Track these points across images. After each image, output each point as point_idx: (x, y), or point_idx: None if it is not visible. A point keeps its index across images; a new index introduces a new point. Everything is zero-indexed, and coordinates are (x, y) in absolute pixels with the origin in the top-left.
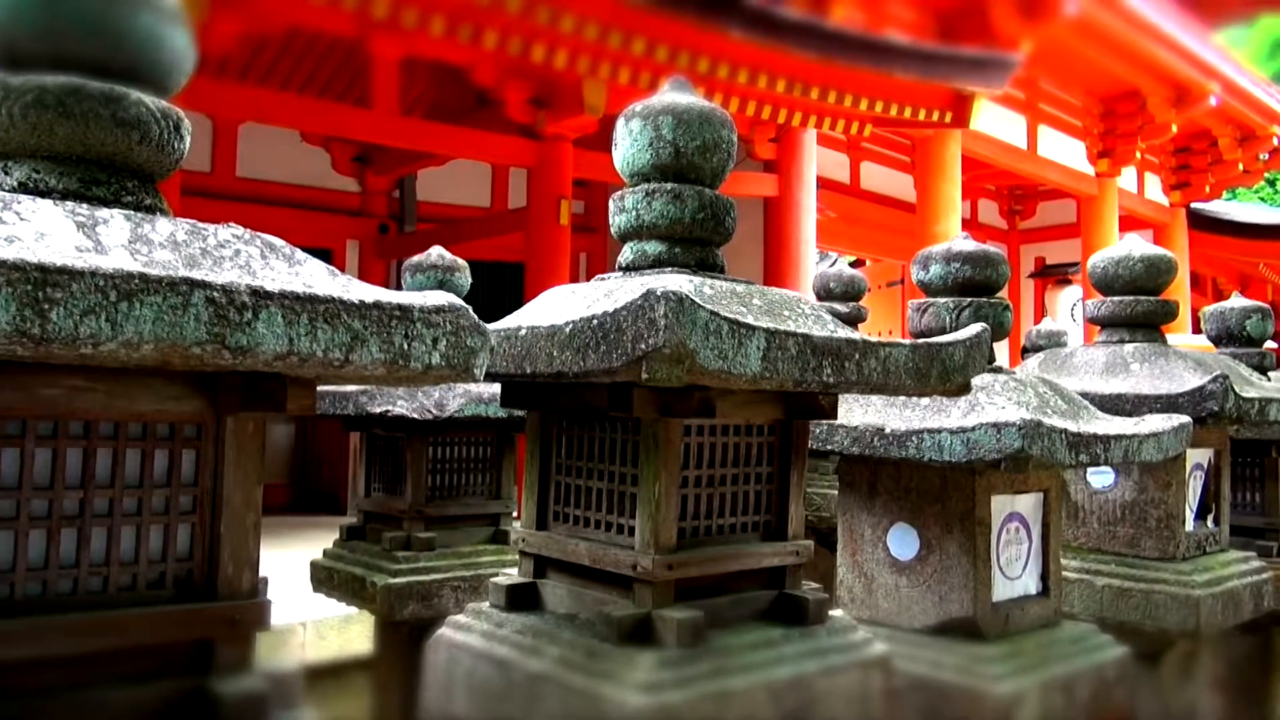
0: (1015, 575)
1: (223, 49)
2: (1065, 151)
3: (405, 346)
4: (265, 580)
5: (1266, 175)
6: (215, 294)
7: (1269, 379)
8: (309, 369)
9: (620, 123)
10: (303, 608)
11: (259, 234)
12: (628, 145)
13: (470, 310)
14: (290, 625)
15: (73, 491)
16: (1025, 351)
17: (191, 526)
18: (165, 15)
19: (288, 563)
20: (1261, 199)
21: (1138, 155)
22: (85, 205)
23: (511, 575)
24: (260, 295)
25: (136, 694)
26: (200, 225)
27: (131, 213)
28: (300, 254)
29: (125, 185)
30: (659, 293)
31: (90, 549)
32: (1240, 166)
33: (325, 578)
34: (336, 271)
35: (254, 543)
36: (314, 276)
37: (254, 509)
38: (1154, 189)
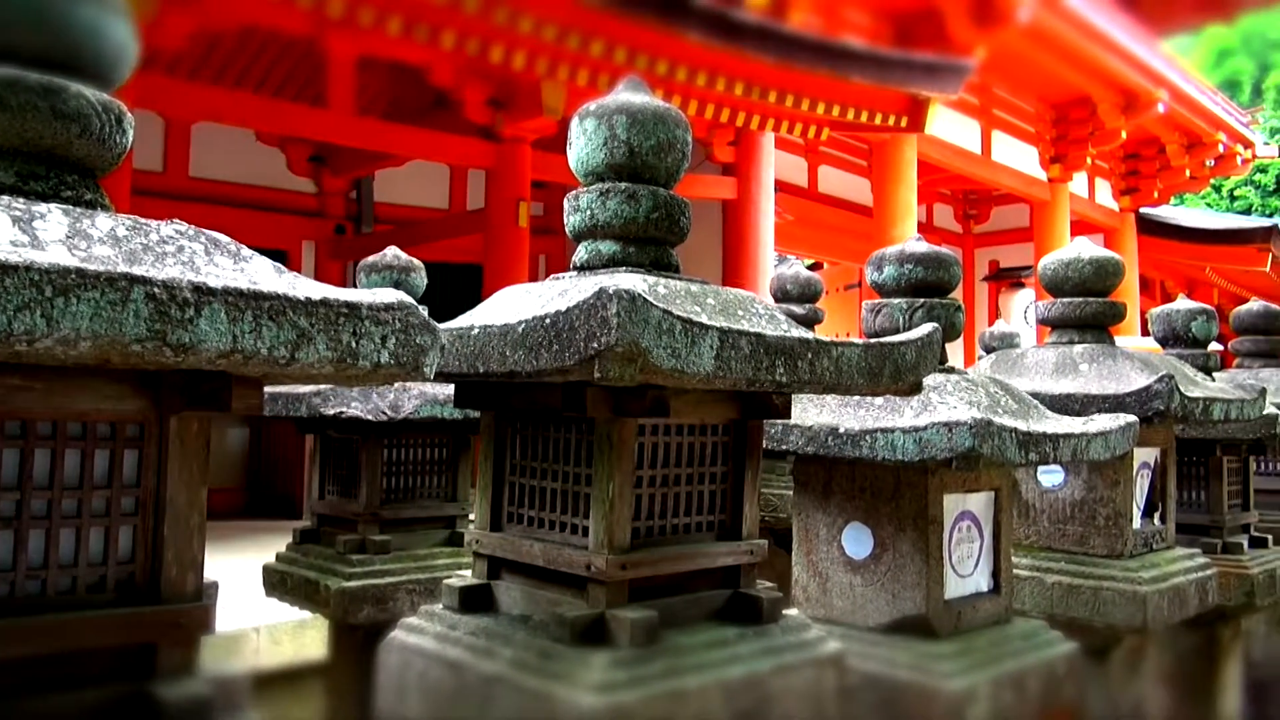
0: (967, 573)
1: (175, 46)
2: (1018, 157)
3: (353, 344)
4: (215, 584)
5: (1212, 181)
6: (156, 290)
7: (1213, 379)
8: (254, 367)
9: (575, 122)
10: (256, 613)
11: (203, 230)
12: (582, 144)
13: (419, 308)
14: (243, 631)
15: (8, 493)
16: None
17: (134, 528)
18: (107, 6)
19: (242, 568)
20: (1208, 204)
21: (1088, 161)
22: (22, 200)
23: (465, 577)
24: (203, 292)
25: (77, 699)
26: (142, 221)
27: (70, 207)
28: (246, 250)
29: (64, 180)
30: (611, 291)
31: (28, 552)
32: (1187, 172)
33: (278, 582)
34: (283, 269)
35: (198, 545)
36: (260, 273)
37: (198, 510)
38: (1104, 194)
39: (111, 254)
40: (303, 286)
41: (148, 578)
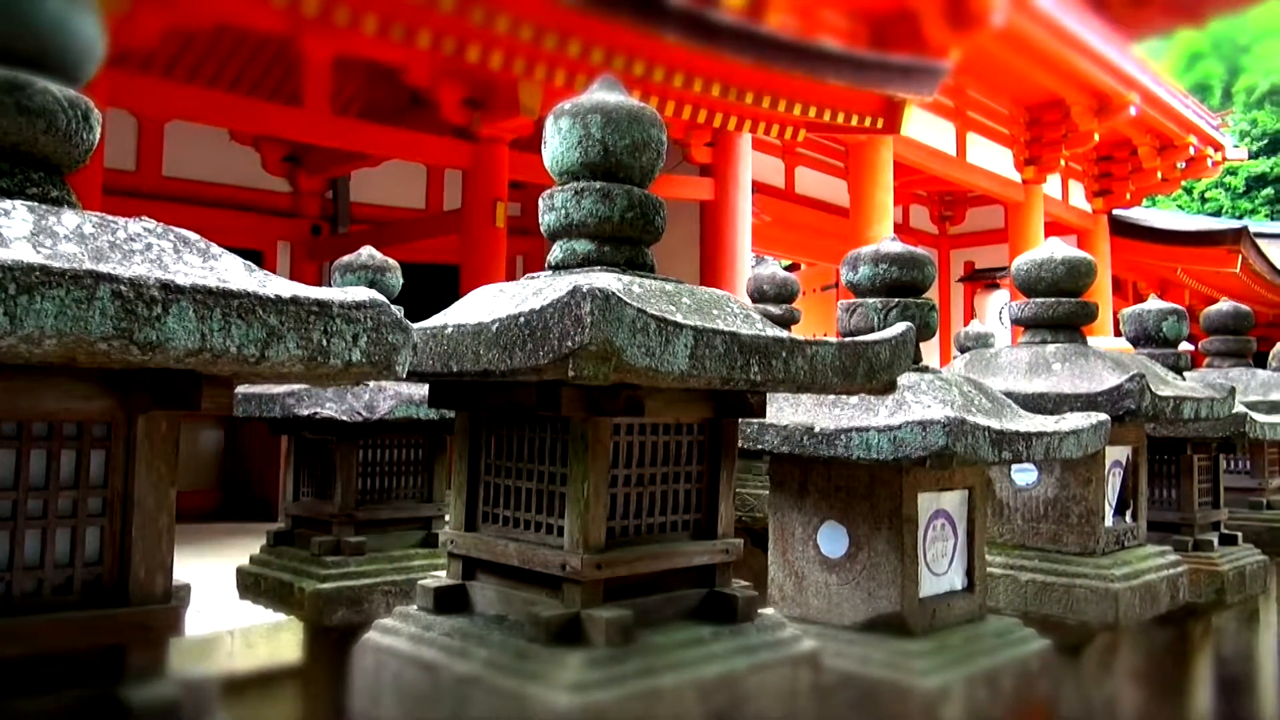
0: (941, 571)
1: (147, 44)
2: (993, 159)
3: (324, 342)
4: (186, 586)
5: (1184, 184)
6: (122, 288)
7: (1184, 379)
8: (224, 366)
9: (549, 121)
10: (232, 615)
11: (172, 228)
12: (557, 143)
13: (391, 306)
14: (218, 634)
15: None
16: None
17: (101, 530)
18: (74, 2)
19: (216, 571)
20: (1179, 207)
21: (1062, 163)
22: None
23: (440, 577)
24: (171, 290)
25: (44, 703)
26: (109, 218)
27: (36, 204)
28: (215, 248)
29: (30, 176)
30: (585, 290)
31: None
32: (1159, 175)
33: (252, 584)
34: (254, 267)
35: (167, 546)
36: (229, 271)
37: (167, 511)
38: (1078, 196)
39: (78, 251)
40: (273, 285)
41: (115, 579)
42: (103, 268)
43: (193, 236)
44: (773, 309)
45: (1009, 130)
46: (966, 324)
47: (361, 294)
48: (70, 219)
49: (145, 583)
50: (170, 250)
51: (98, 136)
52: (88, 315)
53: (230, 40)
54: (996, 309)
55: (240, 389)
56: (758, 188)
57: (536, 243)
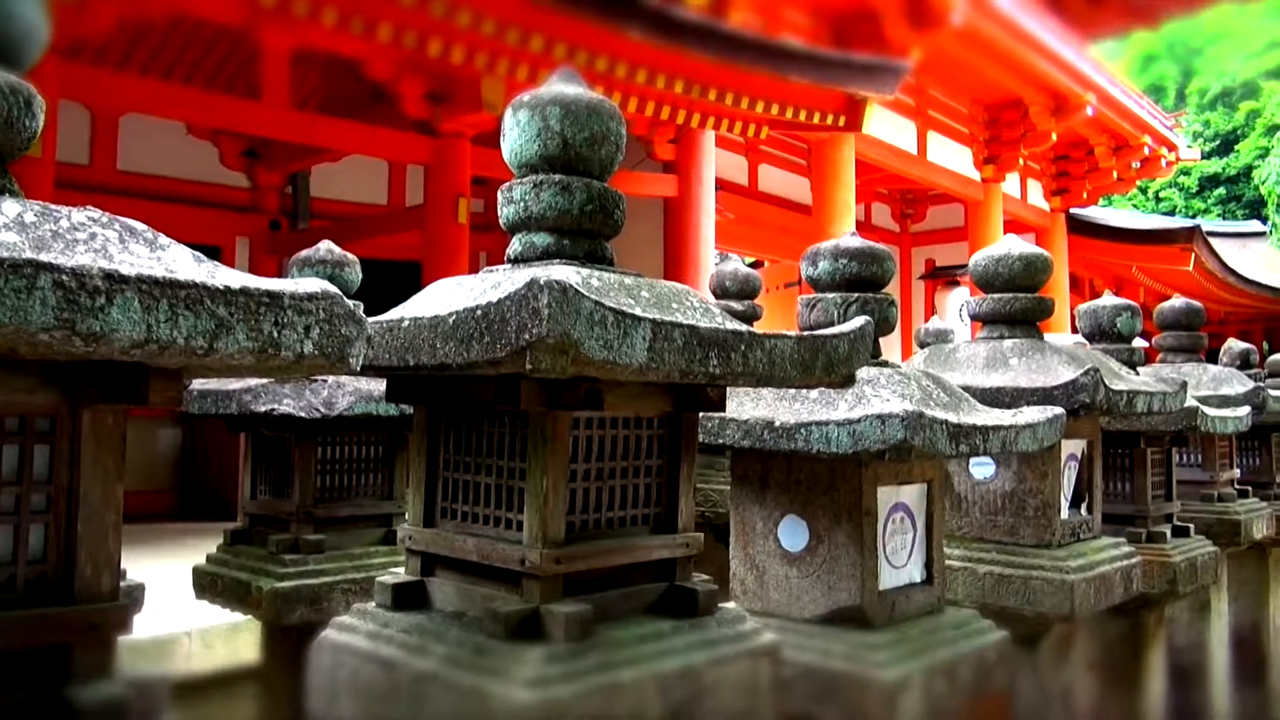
0: (901, 564)
1: (101, 34)
2: (953, 157)
3: (275, 334)
4: (140, 586)
5: (1139, 183)
6: (64, 277)
7: (1137, 373)
8: (171, 358)
9: (508, 113)
10: (189, 616)
11: (118, 218)
12: (515, 136)
13: (344, 298)
14: (175, 635)
15: None
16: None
17: (46, 526)
18: None
19: (174, 571)
20: (1135, 206)
21: (1020, 162)
22: None
23: (398, 574)
24: (115, 279)
25: None
26: (53, 207)
27: None
28: (164, 239)
29: None
30: (542, 282)
31: None
32: (1115, 174)
33: (209, 584)
34: (203, 258)
35: (114, 543)
36: (177, 262)
37: (114, 507)
38: (1036, 195)
39: (17, 240)
40: (222, 275)
41: (61, 577)
42: (44, 257)
43: (139, 226)
44: (735, 305)
45: (968, 129)
46: (928, 321)
47: (313, 285)
48: (10, 207)
49: (92, 580)
50: (116, 240)
51: (41, 124)
52: (28, 305)
53: (186, 32)
54: (957, 306)
55: (196, 385)
56: (721, 185)
57: (499, 239)
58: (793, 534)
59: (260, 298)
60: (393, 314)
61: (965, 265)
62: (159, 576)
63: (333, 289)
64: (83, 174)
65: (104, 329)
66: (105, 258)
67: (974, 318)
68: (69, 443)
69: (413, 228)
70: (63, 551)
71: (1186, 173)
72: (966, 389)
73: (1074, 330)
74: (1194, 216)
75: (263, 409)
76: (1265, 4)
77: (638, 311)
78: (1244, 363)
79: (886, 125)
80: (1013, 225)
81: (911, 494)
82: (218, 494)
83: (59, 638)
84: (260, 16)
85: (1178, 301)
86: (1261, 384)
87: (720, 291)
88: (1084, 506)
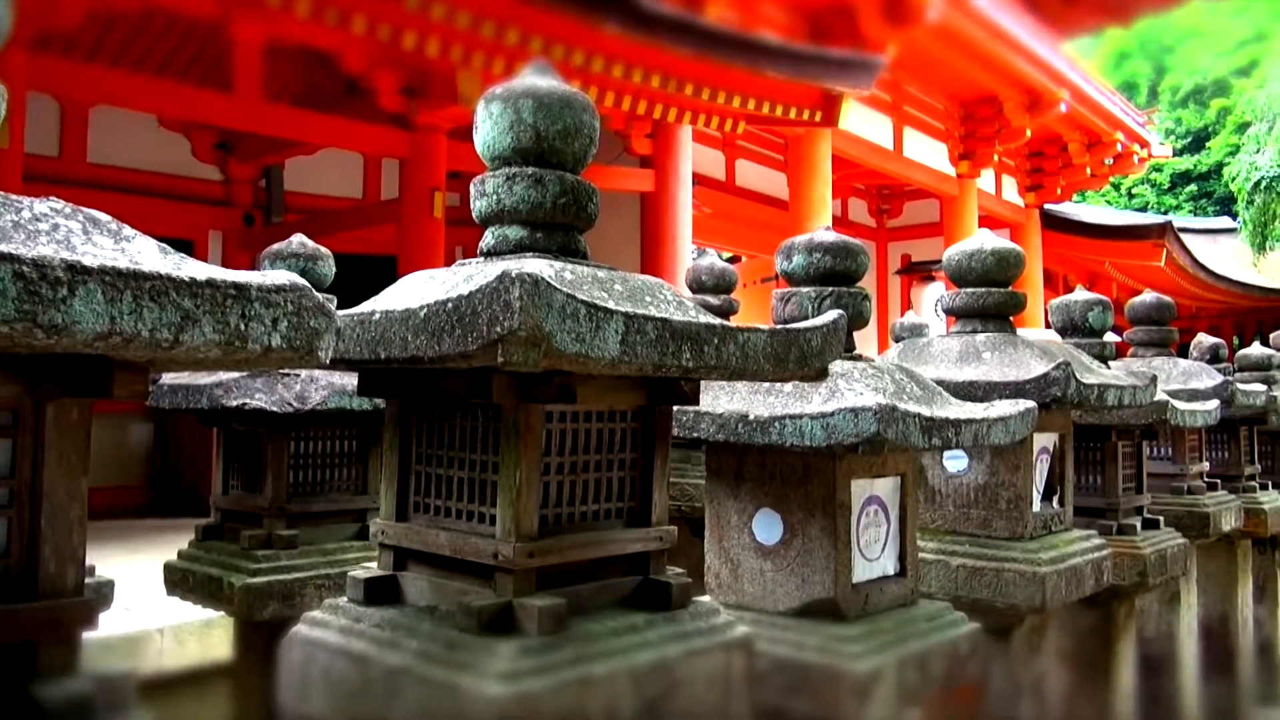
0: (874, 557)
1: (70, 25)
2: (929, 153)
3: (242, 327)
4: (110, 582)
5: (1112, 179)
6: (25, 268)
7: (1109, 367)
8: (136, 351)
9: (480, 106)
10: (161, 613)
11: (82, 209)
12: (488, 128)
13: (313, 290)
14: (147, 631)
15: None
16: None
17: (8, 521)
18: None
19: (146, 567)
20: (1108, 202)
21: (995, 158)
22: None
23: (371, 569)
24: (77, 271)
25: None
26: (13, 198)
27: None
28: (129, 230)
29: None
30: (514, 274)
31: None
32: (1088, 170)
33: (180, 580)
34: (169, 249)
35: (79, 538)
36: (142, 254)
37: (79, 502)
38: (1010, 190)
39: None
40: (188, 267)
41: (24, 572)
42: (4, 248)
43: (103, 217)
44: (711, 299)
45: (944, 125)
46: (903, 316)
47: (281, 277)
48: None
49: (56, 576)
50: (79, 231)
51: (3, 113)
52: None
53: (158, 23)
54: (932, 301)
55: (167, 380)
56: (698, 180)
57: (476, 233)
58: (767, 527)
59: (227, 290)
60: (364, 307)
61: (940, 260)
62: (130, 573)
63: (300, 281)
64: (52, 166)
65: (66, 321)
66: (68, 249)
67: (947, 312)
68: (32, 436)
69: (388, 222)
70: (25, 547)
71: (1159, 169)
72: (940, 383)
73: (1047, 325)
74: (1166, 213)
75: (234, 403)
76: (1236, 3)
77: (610, 304)
78: (1213, 357)
79: (863, 121)
80: (988, 221)
81: (885, 487)
82: (190, 490)
83: (22, 634)
84: (233, 8)
85: (1149, 296)
86: (1230, 378)
87: (696, 286)
88: (1056, 499)
